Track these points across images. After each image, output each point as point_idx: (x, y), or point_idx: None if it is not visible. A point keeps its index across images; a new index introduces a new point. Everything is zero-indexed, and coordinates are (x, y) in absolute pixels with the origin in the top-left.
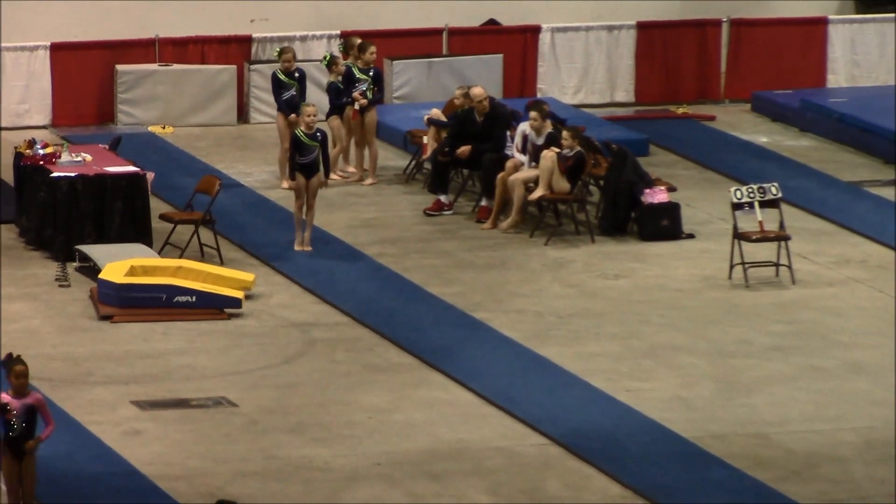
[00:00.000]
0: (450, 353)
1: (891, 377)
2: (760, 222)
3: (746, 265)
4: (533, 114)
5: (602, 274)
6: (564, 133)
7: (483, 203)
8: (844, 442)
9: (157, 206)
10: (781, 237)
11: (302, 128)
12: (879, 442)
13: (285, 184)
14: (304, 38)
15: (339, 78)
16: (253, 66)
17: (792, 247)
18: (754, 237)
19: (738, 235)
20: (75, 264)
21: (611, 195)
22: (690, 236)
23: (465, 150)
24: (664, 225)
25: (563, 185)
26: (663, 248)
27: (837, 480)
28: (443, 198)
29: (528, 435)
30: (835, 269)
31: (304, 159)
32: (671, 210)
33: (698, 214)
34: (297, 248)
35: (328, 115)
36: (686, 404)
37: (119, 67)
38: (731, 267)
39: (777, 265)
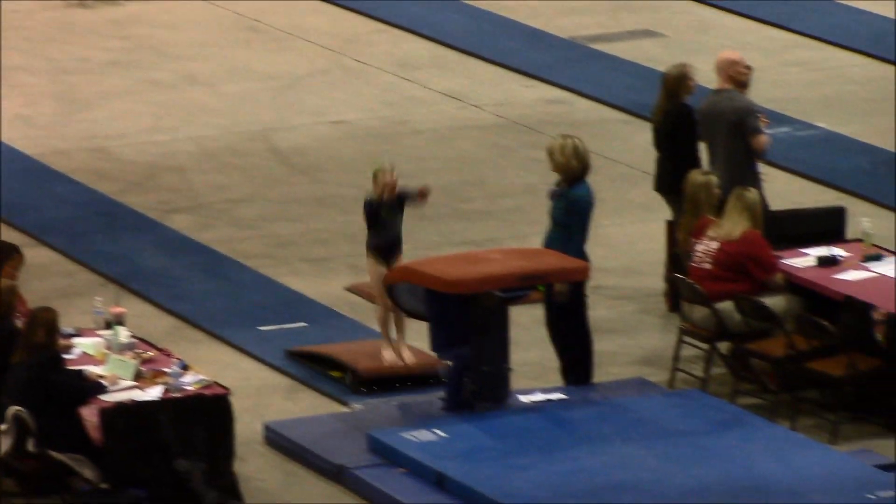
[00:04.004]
0: None
1: (224, 86)
2: None
3: None
4: None
5: None
6: None
7: None
8: (182, 151)
9: None
10: None
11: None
12: (215, 149)
13: None
14: None
15: None
16: None
17: None
18: None
19: None
20: None
21: None
22: None
23: None
24: None
25: None
26: None
27: (177, 189)
28: None
29: None
30: None
31: (380, 238)
32: None
33: None
34: (388, 360)
35: None
36: (28, 122)
37: None
38: None
39: None
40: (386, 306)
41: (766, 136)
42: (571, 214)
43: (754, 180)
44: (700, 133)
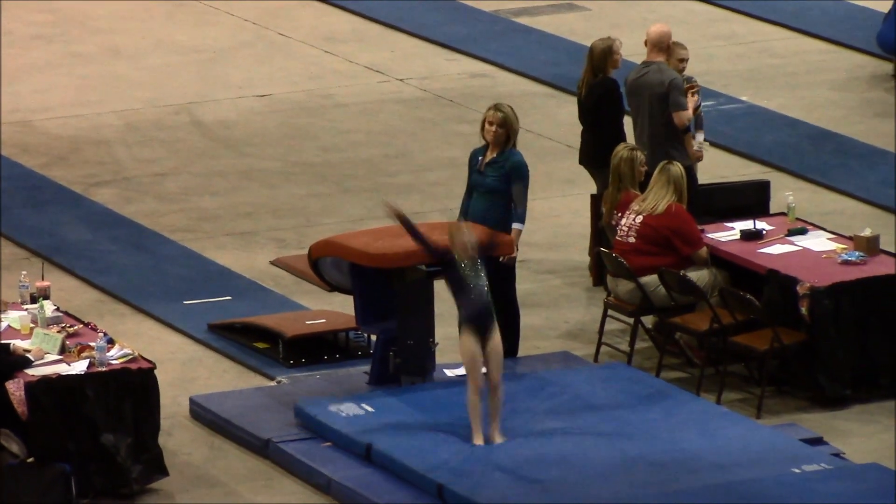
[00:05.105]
0: None
1: (148, 60)
2: None
3: None
4: None
5: None
6: None
7: None
8: (106, 125)
9: None
10: None
11: (457, 250)
12: (139, 123)
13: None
14: None
15: None
16: None
17: None
18: None
19: None
20: None
21: None
22: None
23: None
24: None
25: None
26: None
27: (101, 162)
28: None
29: None
30: None
31: (471, 306)
32: None
33: None
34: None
35: None
36: None
37: None
38: None
39: None
40: (475, 385)
41: (688, 112)
42: (513, 181)
43: (680, 154)
44: (628, 106)
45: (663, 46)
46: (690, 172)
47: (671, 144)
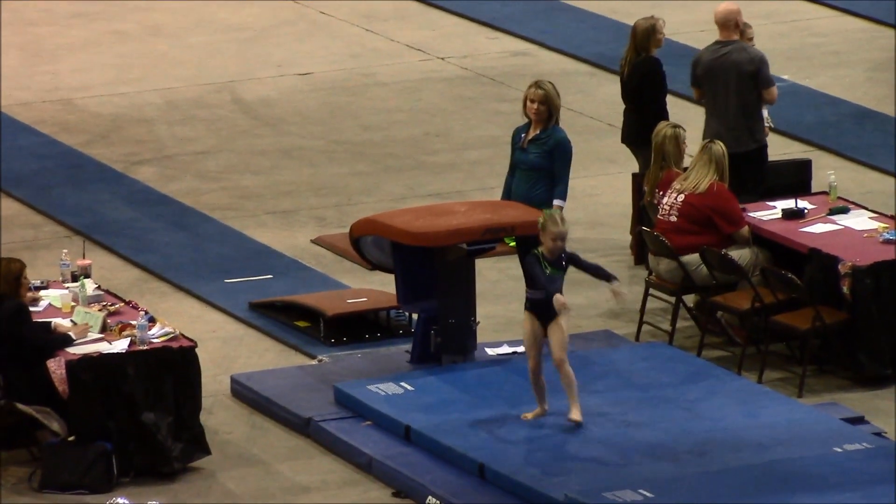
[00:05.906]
0: None
1: (189, 38)
2: None
3: None
4: None
5: None
6: None
7: None
8: (147, 103)
9: None
10: None
11: (543, 249)
12: (180, 101)
13: None
14: None
15: None
16: None
17: None
18: None
19: None
20: None
21: None
22: None
23: None
24: None
25: None
26: None
27: (143, 140)
28: None
29: None
30: None
31: (537, 293)
32: None
33: None
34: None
35: None
36: None
37: None
38: None
39: None
40: (532, 363)
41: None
42: (555, 157)
43: (760, 131)
44: (700, 84)
45: (733, 24)
46: (765, 151)
47: (754, 122)
